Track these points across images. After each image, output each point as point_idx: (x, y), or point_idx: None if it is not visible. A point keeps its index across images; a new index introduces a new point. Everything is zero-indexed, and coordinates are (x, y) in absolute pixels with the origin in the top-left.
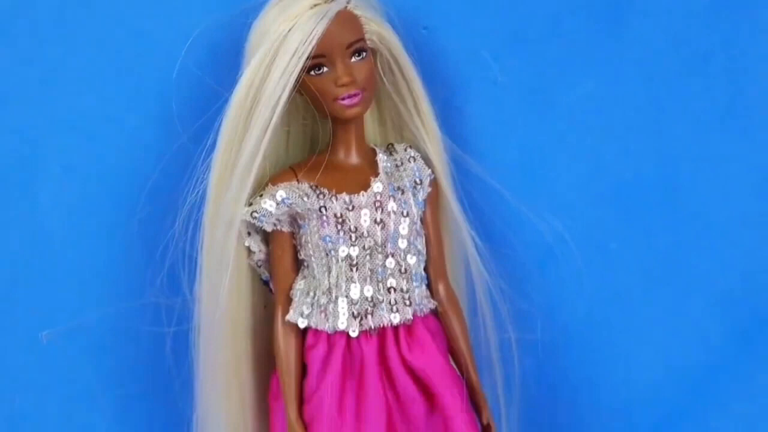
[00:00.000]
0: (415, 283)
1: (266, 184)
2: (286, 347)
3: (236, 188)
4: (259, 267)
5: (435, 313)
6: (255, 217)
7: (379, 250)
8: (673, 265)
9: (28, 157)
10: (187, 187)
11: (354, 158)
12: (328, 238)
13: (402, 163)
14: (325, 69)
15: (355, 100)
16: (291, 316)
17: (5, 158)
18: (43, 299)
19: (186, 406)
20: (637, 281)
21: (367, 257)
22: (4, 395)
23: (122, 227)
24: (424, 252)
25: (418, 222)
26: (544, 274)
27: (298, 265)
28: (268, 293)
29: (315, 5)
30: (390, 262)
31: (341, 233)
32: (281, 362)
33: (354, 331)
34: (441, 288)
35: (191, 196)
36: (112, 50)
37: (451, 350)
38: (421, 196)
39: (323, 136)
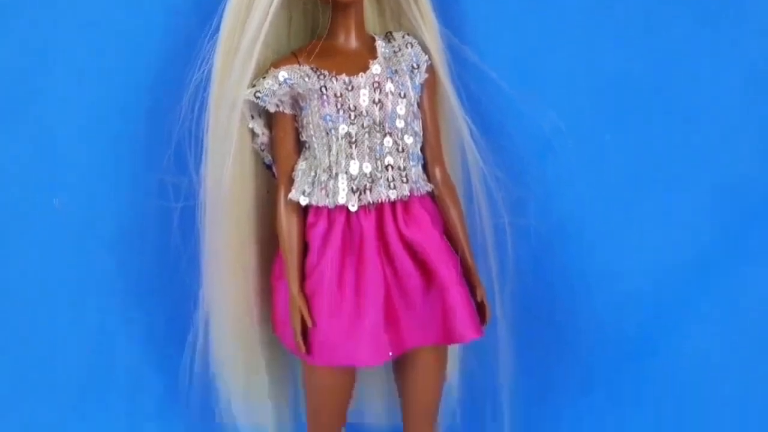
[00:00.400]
0: (411, 162)
1: (269, 69)
2: (288, 225)
3: (239, 70)
4: (262, 151)
5: (432, 196)
6: (258, 97)
7: (377, 128)
8: (667, 157)
9: (41, 50)
10: (193, 66)
11: (353, 43)
12: (328, 117)
13: (400, 49)
14: None
15: None
16: (293, 195)
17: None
18: (54, 174)
19: (192, 283)
20: (630, 172)
21: (366, 135)
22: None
23: (131, 107)
24: (421, 134)
25: (415, 105)
26: (539, 163)
27: (300, 147)
28: (271, 178)
29: None
30: (388, 141)
31: (341, 112)
32: (284, 240)
33: (353, 205)
34: (437, 172)
35: (197, 75)
36: None
37: (447, 233)
38: (418, 80)
39: (324, 21)
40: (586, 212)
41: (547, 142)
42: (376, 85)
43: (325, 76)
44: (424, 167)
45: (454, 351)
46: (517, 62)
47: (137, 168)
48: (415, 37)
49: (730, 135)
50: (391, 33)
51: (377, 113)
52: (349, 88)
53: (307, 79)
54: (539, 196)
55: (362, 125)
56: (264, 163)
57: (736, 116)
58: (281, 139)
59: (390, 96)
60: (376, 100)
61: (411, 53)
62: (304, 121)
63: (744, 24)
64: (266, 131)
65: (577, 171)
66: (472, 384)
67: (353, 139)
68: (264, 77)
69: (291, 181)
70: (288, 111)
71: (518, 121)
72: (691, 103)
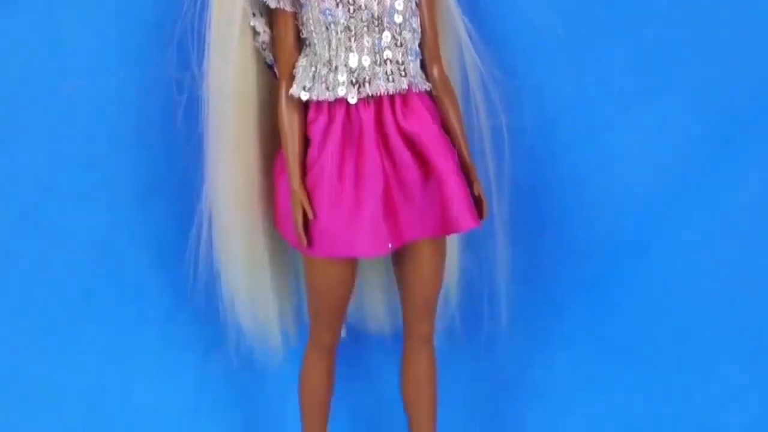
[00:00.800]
0: (410, 57)
1: None
2: (290, 121)
3: None
4: (264, 50)
5: (430, 95)
6: None
7: (376, 23)
8: (660, 62)
9: None
10: None
11: None
12: (327, 12)
13: None
14: None
15: None
16: (294, 90)
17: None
18: (62, 66)
19: (196, 179)
20: (624, 77)
21: (365, 29)
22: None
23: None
24: (419, 30)
25: (413, 2)
26: (534, 60)
27: (301, 45)
28: (273, 79)
29: None
30: (386, 35)
31: (340, 6)
32: (285, 135)
33: (353, 97)
34: (435, 71)
35: None
36: None
37: (446, 131)
38: None
39: None
40: (581, 113)
41: (542, 41)
42: None
43: None
44: (423, 67)
45: (453, 251)
46: None
47: (140, 63)
48: None
49: (724, 47)
50: None
51: (376, 8)
52: None
53: None
54: (533, 96)
55: (361, 18)
56: (266, 63)
57: (730, 28)
58: (282, 36)
59: None
60: None
61: None
62: (305, 18)
63: None
64: (267, 29)
65: (571, 70)
66: (470, 286)
67: (352, 33)
68: None
69: (292, 78)
70: (288, 8)
71: (513, 14)
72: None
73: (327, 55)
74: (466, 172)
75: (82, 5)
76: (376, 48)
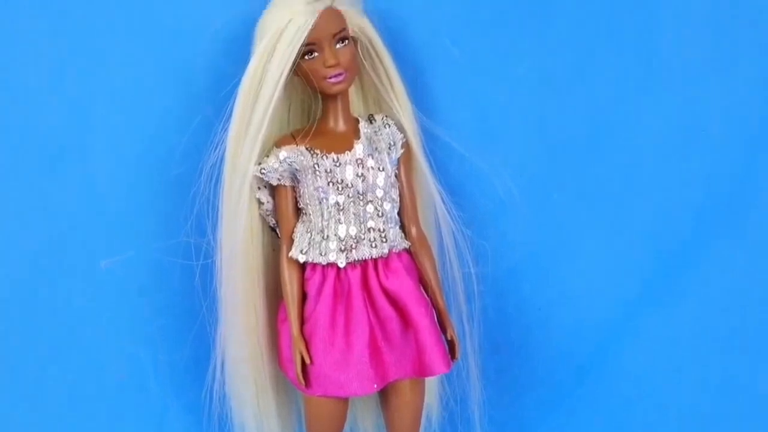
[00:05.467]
0: (390, 225)
1: (272, 147)
2: (290, 278)
3: (248, 149)
4: (268, 215)
5: (408, 252)
6: (263, 173)
7: (361, 197)
8: (607, 209)
9: (78, 127)
10: (210, 148)
11: (341, 125)
12: (320, 189)
13: (379, 130)
14: (316, 54)
15: (340, 78)
16: (293, 253)
17: (53, 124)
18: (94, 241)
19: (211, 327)
20: (574, 224)
21: (351, 203)
22: (38, 331)
23: (159, 182)
24: (398, 200)
25: (393, 176)
26: (497, 219)
27: (298, 212)
28: (276, 237)
29: (308, 3)
30: (369, 208)
31: (330, 185)
32: (286, 291)
33: (342, 262)
34: (413, 230)
35: (213, 155)
36: (146, 39)
37: (423, 282)
38: (395, 155)
39: (316, 108)
40: (538, 259)
41: (501, 199)
42: (359, 161)
43: (317, 155)
44: (402, 227)
45: (432, 381)
46: (478, 134)
47: (164, 232)
48: (393, 118)
49: (664, 184)
50: (372, 115)
51: (360, 185)
52: (337, 164)
53: (302, 158)
54: (496, 247)
55: (348, 195)
56: (270, 226)
57: (668, 166)
58: (283, 206)
59: (371, 170)
60: (359, 174)
61: (389, 133)
62: (301, 191)
63: (673, 82)
64: (270, 200)
65: (529, 223)
66: (450, 409)
67: (341, 207)
68: (268, 156)
69: (291, 241)
70: (288, 183)
71: (479, 182)
72: (627, 159)
73: (320, 224)
74: (440, 317)
75: (116, 182)
76: (361, 219)
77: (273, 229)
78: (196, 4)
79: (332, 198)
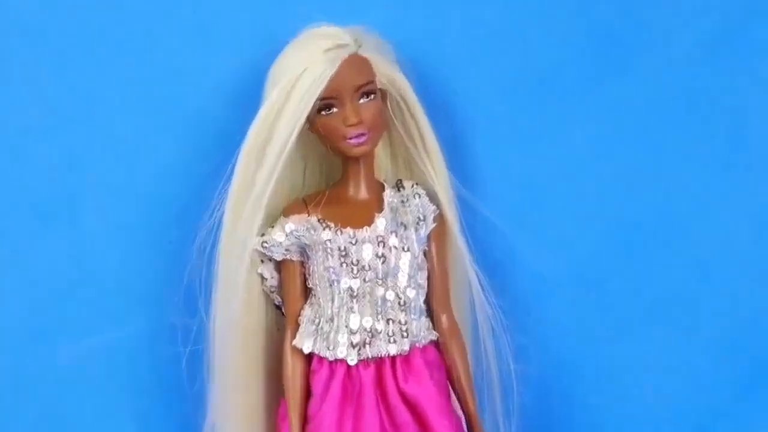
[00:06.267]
0: (413, 316)
1: (280, 215)
2: (293, 370)
3: (248, 218)
4: (272, 292)
5: (436, 344)
6: (265, 247)
7: (380, 283)
8: (671, 306)
9: (67, 182)
10: (205, 213)
11: (363, 193)
12: (331, 270)
13: (407, 200)
14: (335, 109)
15: (362, 139)
16: (297, 342)
17: (44, 182)
18: (74, 314)
19: (198, 424)
20: (634, 320)
21: (368, 289)
22: (24, 408)
23: (145, 250)
24: (425, 285)
25: (420, 256)
26: (542, 308)
27: (307, 292)
28: (281, 316)
29: (327, 50)
30: (390, 295)
31: (344, 266)
32: (288, 384)
33: (352, 359)
34: (444, 319)
35: (208, 222)
36: (146, 90)
37: (451, 380)
38: (424, 231)
39: (336, 170)
40: (589, 357)
41: (548, 285)
42: (380, 239)
43: (330, 229)
44: (430, 315)
45: None
46: (522, 208)
47: (151, 312)
48: (425, 185)
49: (736, 284)
50: (401, 181)
51: (380, 267)
52: (353, 242)
53: (312, 232)
54: (539, 341)
55: (364, 279)
56: (274, 303)
57: (741, 262)
58: (289, 284)
59: (393, 250)
60: (380, 254)
61: (418, 204)
62: (311, 269)
63: (752, 174)
64: (275, 275)
65: (582, 315)
66: None
67: (355, 293)
68: (273, 226)
69: (297, 325)
70: (296, 258)
71: (522, 263)
72: (697, 250)
73: (330, 312)
74: (470, 423)
75: (99, 263)
76: (379, 308)
77: (278, 308)
78: (199, 51)
79: (345, 282)
